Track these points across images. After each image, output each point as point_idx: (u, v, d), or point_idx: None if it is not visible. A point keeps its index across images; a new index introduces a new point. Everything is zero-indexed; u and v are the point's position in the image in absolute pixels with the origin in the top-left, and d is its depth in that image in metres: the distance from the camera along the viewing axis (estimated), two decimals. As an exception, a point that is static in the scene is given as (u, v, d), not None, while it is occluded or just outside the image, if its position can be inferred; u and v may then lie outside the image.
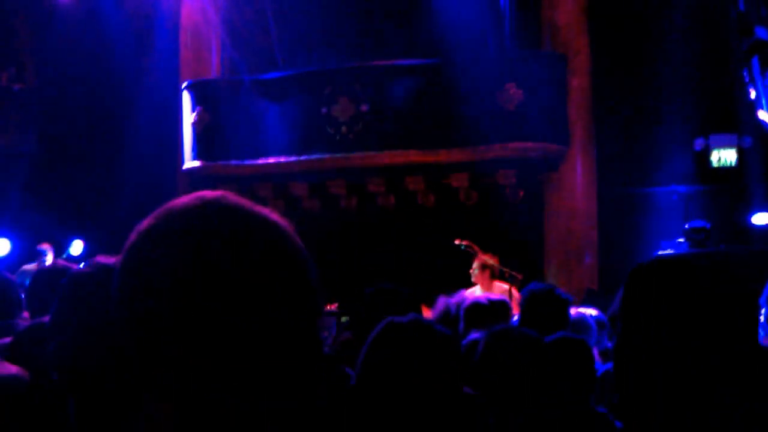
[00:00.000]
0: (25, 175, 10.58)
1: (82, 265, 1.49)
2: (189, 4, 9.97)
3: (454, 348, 1.54)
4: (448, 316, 3.41)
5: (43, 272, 2.84)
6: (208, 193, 0.73)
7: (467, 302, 3.35)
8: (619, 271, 7.70)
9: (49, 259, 7.24)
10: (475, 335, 2.56)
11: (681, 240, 6.49)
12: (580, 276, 8.32)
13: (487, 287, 6.41)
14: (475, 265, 6.45)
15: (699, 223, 6.29)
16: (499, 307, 3.28)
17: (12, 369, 1.66)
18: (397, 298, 2.66)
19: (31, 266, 7.15)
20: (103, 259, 1.37)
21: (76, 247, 9.22)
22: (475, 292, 6.40)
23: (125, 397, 1.30)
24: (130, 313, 0.71)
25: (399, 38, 9.40)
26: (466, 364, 2.09)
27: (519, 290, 5.60)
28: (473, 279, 6.48)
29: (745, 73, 5.67)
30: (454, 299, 3.65)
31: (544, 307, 3.03)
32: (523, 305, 3.14)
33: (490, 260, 6.44)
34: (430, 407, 1.47)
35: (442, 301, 3.71)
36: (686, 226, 6.37)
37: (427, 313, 3.89)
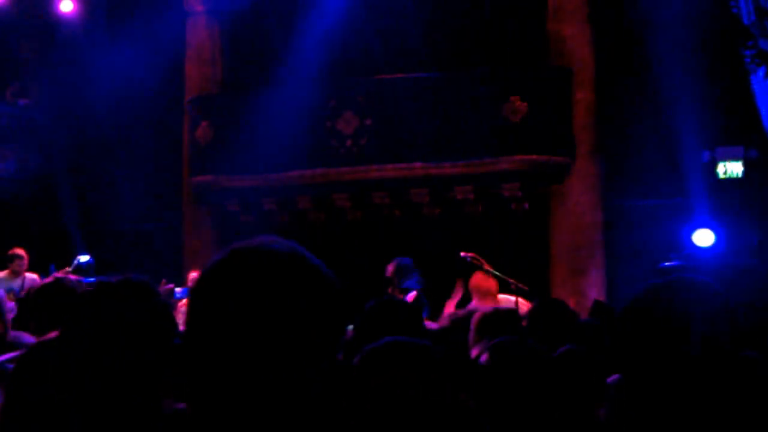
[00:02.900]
0: (32, 190, 10.63)
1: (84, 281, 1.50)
2: (193, 19, 10.04)
3: (433, 360, 1.52)
4: (457, 326, 3.39)
5: (43, 289, 2.84)
6: (275, 239, 0.87)
7: (477, 313, 3.34)
8: (625, 283, 7.67)
9: (24, 263, 7.11)
10: (482, 346, 2.54)
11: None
12: (586, 288, 8.28)
13: (491, 303, 6.30)
14: (474, 291, 6.20)
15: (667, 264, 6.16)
16: (508, 318, 3.26)
17: None
18: (398, 312, 2.64)
19: (3, 273, 7.04)
20: (108, 279, 1.39)
21: (83, 262, 9.21)
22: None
23: (132, 415, 1.30)
24: (201, 334, 0.82)
25: (403, 51, 9.43)
26: (473, 375, 2.07)
27: (526, 302, 5.55)
28: (474, 298, 6.35)
29: (750, 85, 5.66)
30: (463, 310, 3.62)
31: (550, 319, 3.01)
32: (529, 318, 3.13)
33: (489, 284, 6.15)
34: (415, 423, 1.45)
35: (448, 314, 3.69)
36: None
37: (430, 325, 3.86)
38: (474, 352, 2.57)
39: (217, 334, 0.79)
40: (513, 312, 3.43)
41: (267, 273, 0.81)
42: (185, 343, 0.83)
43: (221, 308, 0.80)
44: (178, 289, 6.88)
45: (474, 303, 5.94)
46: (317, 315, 0.82)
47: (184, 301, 6.91)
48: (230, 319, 0.79)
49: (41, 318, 2.70)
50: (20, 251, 7.23)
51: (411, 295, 5.60)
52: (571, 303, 8.06)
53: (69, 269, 7.38)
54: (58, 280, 2.97)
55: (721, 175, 8.60)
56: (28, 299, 2.94)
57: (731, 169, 8.60)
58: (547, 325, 2.96)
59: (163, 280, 5.59)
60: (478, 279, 5.85)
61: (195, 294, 0.84)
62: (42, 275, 6.88)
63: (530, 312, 3.18)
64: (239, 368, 0.78)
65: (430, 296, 5.95)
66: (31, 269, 7.97)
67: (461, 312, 3.70)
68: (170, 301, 6.21)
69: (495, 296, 5.96)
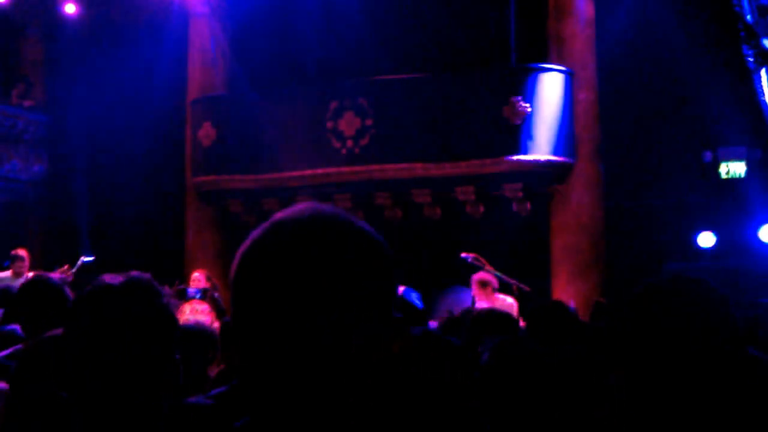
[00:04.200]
0: (36, 190, 10.65)
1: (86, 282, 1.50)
2: (196, 20, 10.06)
3: (460, 358, 1.53)
4: (455, 327, 3.40)
5: (29, 284, 2.85)
6: (316, 206, 0.84)
7: (474, 313, 3.34)
8: (627, 283, 7.65)
9: (26, 264, 7.11)
10: (481, 347, 2.54)
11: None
12: (587, 289, 8.27)
13: (490, 302, 6.36)
14: (476, 281, 6.37)
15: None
16: (506, 319, 3.27)
17: None
18: (403, 312, 2.65)
19: (6, 274, 7.05)
20: (109, 278, 1.39)
21: (86, 261, 9.22)
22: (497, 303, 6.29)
23: (133, 414, 1.31)
24: (242, 317, 0.80)
25: (404, 52, 9.44)
26: (472, 376, 2.07)
27: (526, 303, 5.56)
28: (474, 294, 6.43)
29: (753, 84, 5.65)
30: (461, 310, 3.63)
31: (549, 320, 3.02)
32: (529, 318, 3.14)
33: (489, 276, 6.37)
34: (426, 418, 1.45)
35: (447, 313, 3.71)
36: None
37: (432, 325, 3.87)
38: (470, 353, 2.57)
39: (271, 308, 0.77)
40: (509, 315, 3.43)
41: (316, 242, 0.78)
42: (236, 324, 0.80)
43: (272, 282, 0.77)
44: (190, 289, 6.91)
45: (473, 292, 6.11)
46: (371, 280, 0.80)
47: (192, 302, 6.92)
48: (283, 292, 0.77)
49: (25, 316, 2.71)
50: (22, 252, 7.25)
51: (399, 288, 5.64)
52: (573, 304, 8.07)
53: (66, 268, 7.40)
54: (38, 278, 2.96)
55: (724, 176, 8.59)
56: (12, 298, 2.94)
57: (734, 169, 8.59)
58: (546, 327, 2.97)
59: (176, 281, 5.60)
60: (478, 273, 6.27)
61: (242, 270, 0.80)
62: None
63: (530, 313, 3.18)
64: (296, 343, 0.76)
65: (430, 297, 5.95)
66: (34, 269, 7.98)
67: (457, 312, 3.70)
68: (177, 301, 6.23)
69: (494, 287, 6.15)
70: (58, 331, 1.42)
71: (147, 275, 1.41)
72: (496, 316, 3.17)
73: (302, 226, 0.80)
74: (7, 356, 2.27)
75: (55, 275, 7.43)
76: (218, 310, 5.97)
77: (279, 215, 0.83)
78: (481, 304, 6.16)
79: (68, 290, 2.82)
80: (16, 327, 2.76)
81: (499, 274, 6.58)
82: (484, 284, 6.32)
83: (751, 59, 8.33)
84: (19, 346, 2.36)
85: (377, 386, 0.79)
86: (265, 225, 0.82)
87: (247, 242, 0.82)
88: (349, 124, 8.85)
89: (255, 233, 0.82)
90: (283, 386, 0.77)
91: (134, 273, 1.40)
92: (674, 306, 1.23)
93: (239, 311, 0.80)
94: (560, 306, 3.16)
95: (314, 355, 0.76)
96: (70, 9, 10.21)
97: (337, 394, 0.78)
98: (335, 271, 0.77)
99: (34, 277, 3.20)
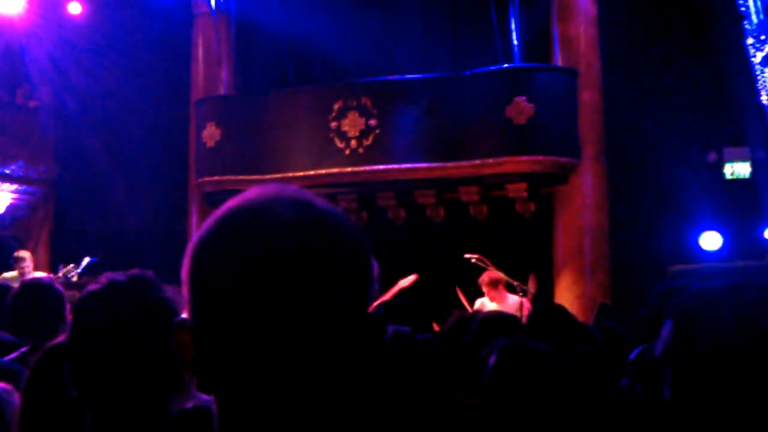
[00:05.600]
0: (43, 191, 10.67)
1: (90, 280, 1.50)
2: (201, 20, 10.06)
3: (441, 357, 1.52)
4: (461, 329, 3.39)
5: (27, 286, 2.84)
6: (280, 187, 0.77)
7: (481, 316, 3.34)
8: (631, 285, 7.63)
9: (30, 265, 7.13)
10: (485, 349, 2.53)
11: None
12: (592, 290, 8.25)
13: (501, 300, 6.37)
14: (484, 283, 6.40)
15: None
16: (513, 321, 3.26)
17: None
18: (404, 313, 2.63)
19: (12, 274, 7.06)
20: (114, 276, 1.38)
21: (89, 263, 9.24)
22: (485, 304, 6.37)
23: (141, 413, 1.30)
24: (201, 292, 0.74)
25: (408, 52, 9.43)
26: (478, 377, 2.07)
27: (531, 304, 5.55)
28: (486, 295, 6.45)
29: (757, 85, 5.63)
30: (468, 312, 3.63)
31: (549, 322, 3.02)
32: (529, 322, 3.13)
33: (497, 276, 6.41)
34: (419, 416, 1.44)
35: (455, 315, 3.71)
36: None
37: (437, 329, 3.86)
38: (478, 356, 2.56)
39: (236, 305, 0.69)
40: (516, 316, 3.43)
41: (282, 232, 0.70)
42: (196, 322, 0.73)
43: (237, 278, 0.69)
44: None
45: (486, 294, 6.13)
46: (344, 272, 0.72)
47: None
48: (248, 288, 0.69)
49: (21, 321, 2.71)
50: (25, 253, 7.27)
51: None
52: (576, 305, 8.06)
53: (72, 267, 7.41)
54: (32, 282, 2.95)
55: (728, 176, 8.56)
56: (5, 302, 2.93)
57: (738, 169, 8.56)
58: (546, 329, 2.96)
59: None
60: (487, 273, 6.33)
61: (201, 264, 0.73)
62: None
63: (529, 316, 3.18)
64: (264, 340, 0.69)
65: (432, 298, 5.93)
66: (39, 269, 7.99)
67: (466, 313, 3.70)
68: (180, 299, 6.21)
69: (503, 285, 6.18)
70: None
71: (149, 272, 1.40)
72: (503, 318, 3.16)
73: (264, 214, 0.72)
74: (12, 360, 2.27)
75: (60, 275, 7.46)
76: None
77: (234, 202, 0.75)
78: (492, 305, 6.17)
79: (62, 290, 2.82)
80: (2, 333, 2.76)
81: (502, 274, 6.58)
82: (495, 283, 6.33)
83: (755, 59, 8.30)
84: (23, 349, 2.36)
85: (355, 385, 0.73)
86: (220, 214, 0.75)
87: (203, 233, 0.75)
88: (352, 124, 8.84)
89: (209, 224, 0.75)
90: (250, 385, 0.71)
91: (136, 270, 1.39)
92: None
93: (197, 309, 0.73)
94: (558, 309, 3.17)
95: (285, 353, 0.69)
96: (74, 9, 10.23)
97: (308, 393, 0.71)
98: (306, 263, 0.70)
99: (27, 281, 3.18)
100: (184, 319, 0.76)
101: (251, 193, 0.76)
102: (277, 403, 0.71)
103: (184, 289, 0.76)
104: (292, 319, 0.69)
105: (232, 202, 0.75)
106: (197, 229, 0.80)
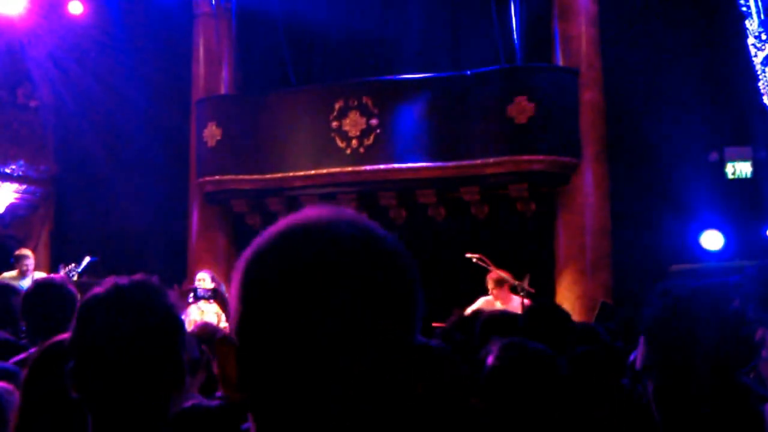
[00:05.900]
0: (43, 190, 10.67)
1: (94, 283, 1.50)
2: (202, 20, 10.06)
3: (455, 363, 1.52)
4: (465, 327, 3.39)
5: (39, 286, 2.84)
6: (337, 208, 0.77)
7: (483, 315, 3.34)
8: (632, 284, 7.63)
9: (31, 264, 7.13)
10: (484, 348, 2.53)
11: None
12: (593, 290, 8.24)
13: (506, 300, 6.38)
14: (491, 281, 6.41)
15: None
16: (515, 321, 3.27)
17: None
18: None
19: (12, 273, 7.06)
20: (118, 280, 1.39)
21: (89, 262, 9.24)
22: (490, 303, 6.36)
23: (142, 413, 1.31)
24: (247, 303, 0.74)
25: (409, 51, 9.43)
26: (473, 375, 2.07)
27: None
28: (491, 293, 6.45)
29: (758, 85, 5.62)
30: (469, 312, 3.63)
31: (545, 322, 3.02)
32: (523, 321, 3.14)
33: (503, 274, 6.42)
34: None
35: (456, 313, 3.71)
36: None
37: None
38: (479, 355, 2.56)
39: (288, 323, 0.70)
40: (518, 315, 3.44)
41: (334, 255, 0.70)
42: (241, 336, 0.73)
43: (292, 296, 0.70)
44: (200, 290, 6.91)
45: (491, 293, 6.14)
46: (391, 298, 0.72)
47: (198, 302, 6.93)
48: (302, 306, 0.69)
49: (33, 319, 2.70)
50: (27, 251, 7.27)
51: None
52: (578, 304, 8.06)
53: (72, 266, 7.42)
54: (45, 282, 2.95)
55: (730, 176, 8.55)
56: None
57: (740, 169, 8.55)
58: (541, 329, 2.96)
59: (185, 281, 5.61)
60: (492, 272, 6.36)
61: (257, 281, 0.73)
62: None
63: (524, 315, 3.19)
64: (309, 360, 0.69)
65: (433, 298, 5.95)
66: (40, 269, 8.00)
67: (468, 313, 3.70)
68: (183, 302, 6.22)
69: (509, 284, 6.19)
70: (67, 334, 1.42)
71: (153, 277, 1.41)
72: (505, 318, 3.16)
73: (322, 234, 0.72)
74: (16, 363, 2.27)
75: (61, 274, 7.46)
76: (228, 311, 5.97)
77: (289, 220, 0.75)
78: (497, 304, 6.17)
79: (75, 291, 2.82)
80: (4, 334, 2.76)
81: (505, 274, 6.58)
82: (500, 282, 6.33)
83: (757, 59, 8.29)
84: (32, 350, 2.36)
85: (401, 410, 0.73)
86: (275, 231, 0.75)
87: (258, 249, 0.75)
88: (353, 123, 8.84)
89: (264, 240, 0.75)
90: (292, 404, 0.71)
91: (140, 275, 1.40)
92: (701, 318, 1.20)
93: (249, 325, 0.73)
94: (553, 308, 3.17)
95: (334, 372, 0.70)
96: (75, 8, 10.23)
97: (348, 413, 0.71)
98: (364, 286, 0.70)
99: (40, 280, 3.19)
100: (227, 336, 0.75)
101: (309, 212, 0.76)
102: (323, 425, 0.71)
103: (232, 304, 0.75)
104: (345, 340, 0.70)
105: (289, 219, 0.76)
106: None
